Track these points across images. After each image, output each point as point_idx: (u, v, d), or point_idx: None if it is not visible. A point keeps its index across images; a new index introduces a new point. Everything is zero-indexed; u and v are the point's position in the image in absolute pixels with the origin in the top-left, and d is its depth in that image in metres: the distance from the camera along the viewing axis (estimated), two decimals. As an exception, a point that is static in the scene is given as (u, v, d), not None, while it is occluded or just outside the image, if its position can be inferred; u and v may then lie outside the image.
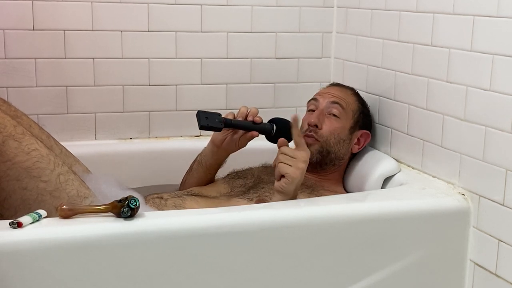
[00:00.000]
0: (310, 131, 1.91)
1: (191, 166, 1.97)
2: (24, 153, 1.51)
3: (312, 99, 2.01)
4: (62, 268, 1.38)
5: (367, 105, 2.05)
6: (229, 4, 2.27)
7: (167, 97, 2.26)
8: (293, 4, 2.34)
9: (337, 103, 1.95)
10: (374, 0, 2.12)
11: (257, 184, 1.86)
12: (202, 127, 1.72)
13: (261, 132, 1.82)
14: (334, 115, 1.94)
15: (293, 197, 1.64)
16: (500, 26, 1.58)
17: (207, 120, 1.73)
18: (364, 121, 2.00)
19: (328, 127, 1.92)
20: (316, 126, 1.91)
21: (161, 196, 1.79)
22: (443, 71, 1.78)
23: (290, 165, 1.61)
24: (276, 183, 1.64)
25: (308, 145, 1.83)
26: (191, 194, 1.82)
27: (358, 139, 1.98)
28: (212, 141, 1.88)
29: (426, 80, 1.86)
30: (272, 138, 1.82)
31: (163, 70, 2.24)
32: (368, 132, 2.01)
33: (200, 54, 2.27)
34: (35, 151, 1.53)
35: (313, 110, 1.97)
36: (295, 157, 1.62)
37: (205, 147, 1.92)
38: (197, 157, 1.95)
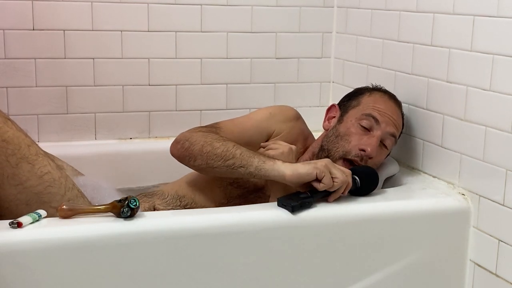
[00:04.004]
0: (361, 160, 1.72)
1: (232, 156, 1.59)
2: (37, 177, 1.48)
3: (372, 116, 1.76)
4: (62, 268, 1.38)
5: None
6: (229, 4, 2.27)
7: (167, 97, 2.26)
8: (293, 4, 2.34)
9: (394, 136, 1.79)
10: (374, 0, 2.12)
11: (256, 196, 1.79)
12: (293, 210, 1.54)
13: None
14: (385, 146, 1.78)
15: (283, 186, 1.62)
16: (500, 26, 1.58)
17: (293, 201, 1.54)
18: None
19: (377, 159, 1.76)
20: (371, 158, 1.73)
21: (153, 207, 1.74)
22: (443, 71, 1.78)
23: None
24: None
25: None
26: (184, 206, 1.75)
27: None
28: (290, 183, 1.58)
29: (426, 80, 1.86)
30: (358, 193, 1.66)
31: (163, 70, 2.24)
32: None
33: (200, 54, 2.27)
34: (47, 174, 1.50)
35: (368, 129, 1.76)
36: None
37: (271, 167, 1.57)
38: (251, 160, 1.59)
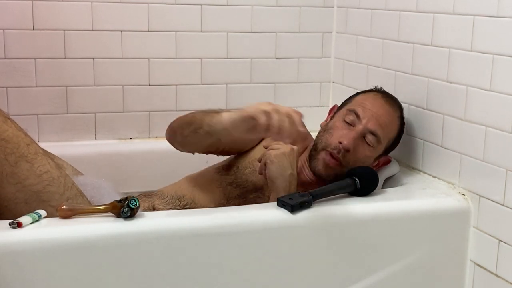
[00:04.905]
0: (338, 152, 1.71)
1: (194, 120, 1.62)
2: (36, 176, 1.48)
3: (355, 111, 1.76)
4: (62, 268, 1.38)
5: (404, 127, 1.88)
6: (229, 4, 2.27)
7: (167, 97, 2.26)
8: (293, 4, 2.34)
9: (375, 135, 1.74)
10: (374, 0, 2.12)
11: (255, 196, 1.78)
12: (293, 210, 1.54)
13: (345, 191, 1.66)
14: (367, 143, 1.75)
15: (284, 186, 1.62)
16: (500, 26, 1.58)
17: (292, 201, 1.55)
18: (392, 146, 1.84)
19: (359, 154, 1.73)
20: (348, 150, 1.71)
21: (153, 207, 1.73)
22: (443, 71, 1.78)
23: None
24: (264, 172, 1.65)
25: (327, 167, 1.72)
26: (184, 206, 1.75)
27: (378, 161, 1.84)
28: (233, 130, 1.53)
29: (426, 80, 1.86)
30: (358, 194, 1.66)
31: (163, 70, 2.24)
32: (390, 158, 1.87)
33: (200, 54, 2.27)
34: (46, 173, 1.50)
35: (351, 125, 1.75)
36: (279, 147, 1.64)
37: (218, 121, 1.55)
38: (204, 119, 1.60)
